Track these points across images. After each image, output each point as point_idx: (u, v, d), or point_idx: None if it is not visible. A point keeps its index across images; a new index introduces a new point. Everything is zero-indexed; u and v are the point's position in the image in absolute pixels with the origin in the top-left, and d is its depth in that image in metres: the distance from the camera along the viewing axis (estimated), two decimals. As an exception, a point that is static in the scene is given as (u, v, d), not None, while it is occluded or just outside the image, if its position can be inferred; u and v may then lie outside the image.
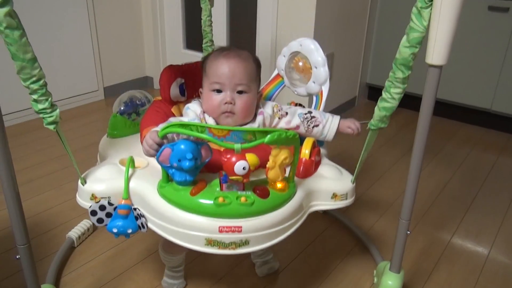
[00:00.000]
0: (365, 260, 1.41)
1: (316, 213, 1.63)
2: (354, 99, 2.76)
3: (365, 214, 1.65)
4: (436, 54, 0.85)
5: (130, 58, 2.89)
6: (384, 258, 1.36)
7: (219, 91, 1.02)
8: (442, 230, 1.58)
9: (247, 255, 1.35)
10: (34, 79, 0.80)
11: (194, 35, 2.72)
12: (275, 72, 1.31)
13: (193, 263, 1.34)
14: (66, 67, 2.54)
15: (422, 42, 0.85)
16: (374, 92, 2.83)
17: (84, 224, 1.48)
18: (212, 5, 1.48)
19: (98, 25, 2.63)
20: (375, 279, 1.24)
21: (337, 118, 1.10)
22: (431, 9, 0.81)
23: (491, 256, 1.45)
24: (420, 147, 0.97)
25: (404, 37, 0.85)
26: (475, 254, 1.46)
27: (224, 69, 1.01)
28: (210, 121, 1.05)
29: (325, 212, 1.64)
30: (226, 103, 1.02)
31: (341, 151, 2.00)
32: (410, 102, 2.22)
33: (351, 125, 1.09)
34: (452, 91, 2.48)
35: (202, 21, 1.47)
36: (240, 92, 1.03)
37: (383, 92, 0.93)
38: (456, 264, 1.41)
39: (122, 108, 1.23)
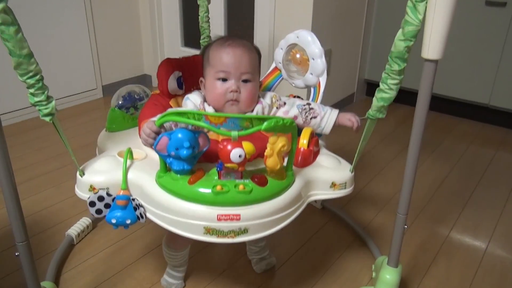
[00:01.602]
0: (363, 255, 1.41)
1: (314, 208, 1.65)
2: (353, 95, 2.76)
3: (363, 210, 1.66)
4: (432, 48, 0.85)
5: (128, 56, 2.89)
6: (382, 252, 1.37)
7: (224, 79, 1.03)
8: (440, 225, 1.58)
9: (245, 252, 1.35)
10: (30, 74, 0.81)
11: (192, 33, 2.72)
12: (273, 65, 1.31)
13: (192, 259, 1.34)
14: (64, 66, 2.54)
15: (418, 36, 0.85)
16: (373, 88, 2.83)
17: (84, 221, 1.48)
18: (209, 2, 1.48)
19: (96, 23, 2.62)
20: (374, 274, 1.25)
21: (335, 111, 1.10)
22: (426, 2, 0.81)
23: (489, 250, 1.46)
24: (417, 141, 0.97)
25: (400, 31, 0.85)
26: (473, 248, 1.47)
27: (230, 58, 1.02)
28: (210, 111, 1.05)
29: (324, 208, 1.65)
30: (231, 91, 1.02)
31: (339, 147, 2.00)
32: (408, 97, 2.22)
33: (351, 117, 1.09)
34: (450, 87, 2.48)
35: (199, 17, 1.48)
36: (245, 81, 1.03)
37: (380, 83, 0.93)
38: (454, 258, 1.41)
39: (120, 102, 1.23)
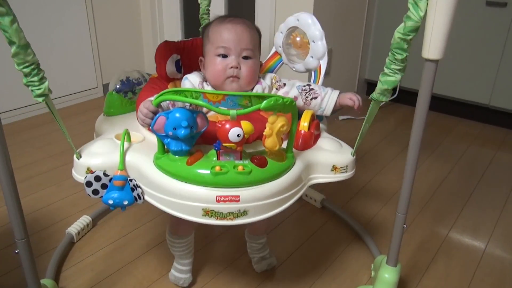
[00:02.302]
0: (362, 254, 1.42)
1: (314, 207, 1.66)
2: (353, 95, 2.76)
3: (363, 209, 1.66)
4: (432, 48, 0.85)
5: (129, 55, 2.89)
6: (381, 252, 1.37)
7: (224, 56, 1.02)
8: (439, 224, 1.58)
9: (245, 250, 1.36)
10: (27, 64, 0.81)
11: (193, 32, 2.72)
12: (273, 50, 1.31)
13: (193, 253, 1.34)
14: (65, 65, 2.54)
15: (418, 36, 0.85)
16: (373, 88, 2.81)
17: (84, 220, 1.49)
18: (210, -1, 1.48)
19: (97, 22, 2.63)
20: (373, 273, 1.25)
21: (336, 91, 1.09)
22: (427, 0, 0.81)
23: (488, 250, 1.46)
24: (417, 141, 0.97)
25: (402, 24, 0.85)
26: (472, 248, 1.47)
27: (230, 34, 1.01)
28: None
29: (323, 207, 1.65)
30: (232, 67, 1.01)
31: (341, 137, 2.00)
32: (408, 97, 2.23)
33: (352, 96, 1.08)
34: (450, 87, 2.48)
35: (200, 9, 1.47)
36: (245, 58, 1.03)
37: (384, 68, 0.92)
38: (453, 258, 1.42)
39: (118, 86, 1.21)
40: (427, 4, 0.81)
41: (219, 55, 1.02)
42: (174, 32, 2.78)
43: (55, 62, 2.48)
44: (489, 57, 2.33)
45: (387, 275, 1.11)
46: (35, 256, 1.00)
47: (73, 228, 1.44)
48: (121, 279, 1.29)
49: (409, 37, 0.84)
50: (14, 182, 0.89)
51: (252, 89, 1.07)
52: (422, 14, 0.82)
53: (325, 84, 1.19)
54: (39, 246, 1.40)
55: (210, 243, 1.44)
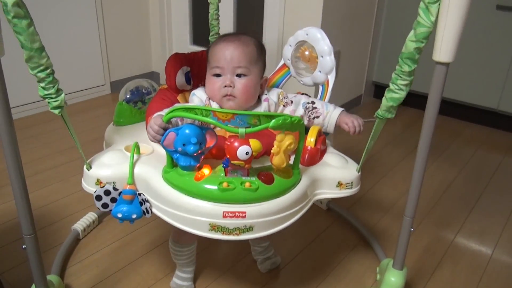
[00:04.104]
0: (368, 257, 1.41)
1: (320, 209, 1.65)
2: (360, 97, 2.75)
3: (369, 212, 1.65)
4: (443, 51, 0.84)
5: (137, 53, 2.90)
6: (387, 255, 1.37)
7: (219, 75, 1.04)
8: (446, 229, 1.57)
9: (249, 250, 1.35)
10: (41, 68, 0.81)
11: (200, 31, 2.73)
12: (281, 62, 1.31)
13: (196, 257, 1.34)
14: (73, 62, 2.55)
15: (429, 39, 0.85)
16: (380, 91, 2.82)
17: (90, 216, 1.49)
18: (219, 0, 1.48)
19: (106, 20, 2.64)
20: (378, 276, 1.25)
21: (338, 110, 1.09)
22: (439, 4, 0.80)
23: (494, 255, 1.45)
24: (426, 144, 0.97)
25: (412, 32, 0.84)
26: (478, 254, 1.46)
27: (222, 53, 1.03)
28: (215, 107, 1.05)
29: (329, 209, 1.65)
30: (225, 86, 1.02)
31: (349, 147, 1.99)
32: (415, 100, 2.22)
33: (348, 122, 1.06)
34: (458, 90, 2.47)
35: (209, 14, 1.48)
36: (239, 75, 1.03)
37: (390, 84, 0.92)
38: (459, 263, 1.41)
39: (128, 96, 1.23)
40: (438, 9, 0.81)
41: (214, 75, 1.04)
42: (182, 31, 2.79)
43: (64, 59, 2.49)
44: (499, 61, 2.31)
45: (393, 278, 1.11)
46: (41, 251, 1.01)
47: (79, 225, 1.45)
48: (126, 277, 1.29)
49: (422, 45, 0.84)
50: (24, 177, 0.89)
51: (260, 105, 1.08)
52: (433, 19, 0.81)
53: (334, 84, 1.19)
54: (45, 242, 1.40)
55: (213, 245, 1.44)
